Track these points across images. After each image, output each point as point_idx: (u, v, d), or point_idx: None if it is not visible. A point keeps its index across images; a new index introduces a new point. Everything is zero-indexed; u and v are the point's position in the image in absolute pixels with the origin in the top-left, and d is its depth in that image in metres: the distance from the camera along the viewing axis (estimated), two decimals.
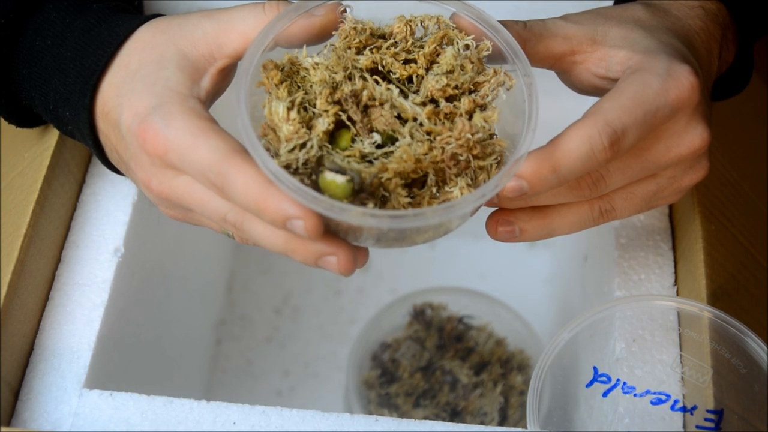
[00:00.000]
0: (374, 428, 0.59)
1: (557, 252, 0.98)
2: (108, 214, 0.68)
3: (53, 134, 0.66)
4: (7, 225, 0.62)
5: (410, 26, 0.56)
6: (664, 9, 0.62)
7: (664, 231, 0.69)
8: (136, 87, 0.56)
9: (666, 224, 0.70)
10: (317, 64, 0.55)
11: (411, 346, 0.86)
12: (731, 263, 0.65)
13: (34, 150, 0.65)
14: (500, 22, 0.57)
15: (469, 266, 0.99)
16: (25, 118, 0.64)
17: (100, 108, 0.58)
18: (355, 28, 0.56)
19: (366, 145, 0.53)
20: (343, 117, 0.54)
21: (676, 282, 0.67)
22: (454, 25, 0.57)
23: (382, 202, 0.51)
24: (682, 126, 0.56)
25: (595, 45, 0.58)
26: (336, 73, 0.55)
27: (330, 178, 0.50)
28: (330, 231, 0.53)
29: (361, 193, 0.51)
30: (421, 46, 0.56)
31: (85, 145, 0.61)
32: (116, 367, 0.67)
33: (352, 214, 0.50)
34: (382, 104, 0.54)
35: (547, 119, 0.84)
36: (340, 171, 0.50)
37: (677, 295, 0.66)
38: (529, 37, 0.58)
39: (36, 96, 0.60)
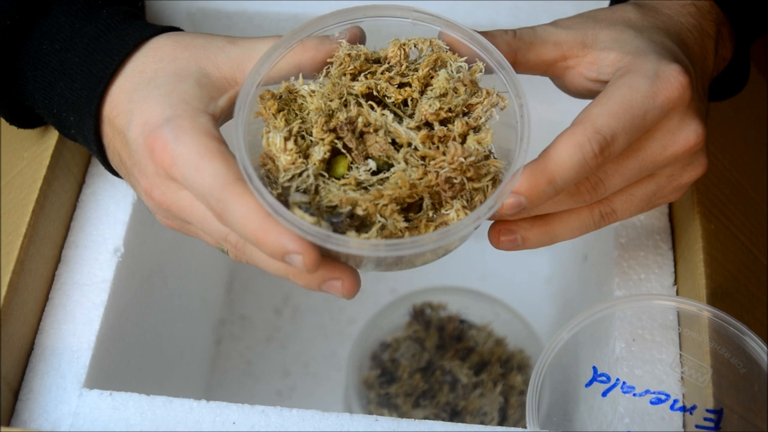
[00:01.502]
0: (374, 428, 0.59)
1: (557, 252, 0.98)
2: (108, 214, 0.68)
3: (53, 134, 0.66)
4: (7, 225, 0.62)
5: (404, 50, 0.57)
6: (654, 8, 0.62)
7: (663, 231, 0.69)
8: (149, 95, 0.55)
9: (666, 224, 0.70)
10: (313, 91, 0.56)
11: (411, 346, 0.86)
12: (731, 262, 0.65)
13: (34, 150, 0.65)
14: (490, 32, 0.57)
15: (468, 266, 0.99)
16: (27, 119, 0.64)
17: (107, 111, 0.57)
18: (349, 55, 0.56)
19: (361, 172, 0.53)
20: (339, 145, 0.54)
21: (675, 281, 0.66)
22: (448, 48, 0.57)
23: (380, 228, 0.52)
24: (676, 124, 0.56)
25: (586, 49, 0.59)
26: (332, 100, 0.55)
27: (298, 215, 0.51)
28: (330, 257, 0.53)
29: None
30: (416, 69, 0.56)
31: (88, 149, 0.61)
32: (116, 367, 0.67)
33: (350, 246, 0.50)
34: (376, 131, 0.54)
35: (546, 120, 0.84)
36: (309, 211, 0.51)
37: (677, 294, 0.66)
38: (520, 45, 0.58)
39: (39, 99, 0.60)
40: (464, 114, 0.55)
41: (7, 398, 0.59)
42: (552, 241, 0.58)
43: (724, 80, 0.66)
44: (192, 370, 0.91)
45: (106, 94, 0.57)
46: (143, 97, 0.55)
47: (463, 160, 0.52)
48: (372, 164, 0.54)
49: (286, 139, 0.53)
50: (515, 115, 0.54)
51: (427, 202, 0.53)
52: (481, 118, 0.55)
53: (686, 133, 0.56)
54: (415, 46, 0.57)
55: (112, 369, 0.66)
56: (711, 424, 0.57)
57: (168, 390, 0.64)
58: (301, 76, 0.57)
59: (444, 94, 0.55)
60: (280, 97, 0.55)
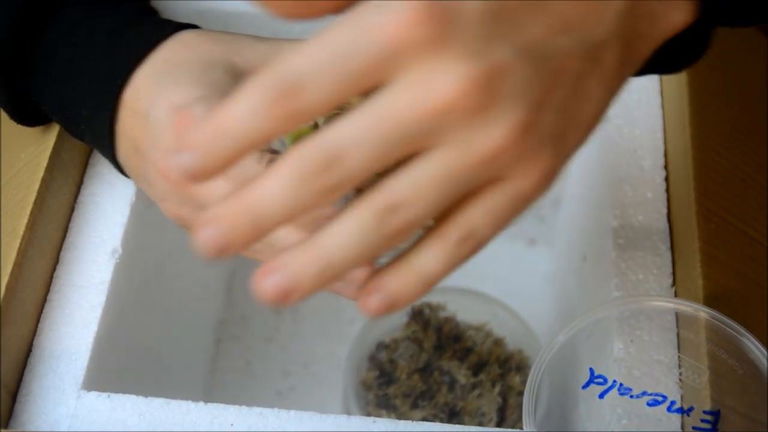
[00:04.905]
0: (371, 429, 0.59)
1: (556, 252, 0.98)
2: (106, 216, 0.68)
3: (51, 135, 0.66)
4: (5, 227, 0.62)
5: None
6: None
7: (662, 231, 0.69)
8: (179, 79, 0.54)
9: (664, 224, 0.69)
10: None
11: (409, 347, 0.85)
12: (738, 261, 0.64)
13: (31, 151, 0.65)
14: None
15: (467, 266, 0.98)
16: (30, 115, 0.63)
17: (127, 97, 0.56)
18: None
19: None
20: None
21: (674, 283, 0.66)
22: None
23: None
24: (426, 71, 0.40)
25: None
26: None
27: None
28: None
29: None
30: None
31: (95, 146, 0.61)
32: (114, 369, 0.68)
33: None
34: None
35: None
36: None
37: (675, 296, 0.66)
38: None
39: (48, 94, 0.60)
40: None
41: (5, 401, 0.60)
42: (332, 266, 0.42)
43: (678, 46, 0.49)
44: (191, 371, 0.91)
45: (127, 83, 0.56)
46: (172, 80, 0.55)
47: None
48: None
49: None
50: None
51: None
52: None
53: (437, 83, 0.40)
54: None
55: (111, 371, 0.67)
56: (708, 426, 0.57)
57: (167, 391, 0.64)
58: None
59: None
60: None
